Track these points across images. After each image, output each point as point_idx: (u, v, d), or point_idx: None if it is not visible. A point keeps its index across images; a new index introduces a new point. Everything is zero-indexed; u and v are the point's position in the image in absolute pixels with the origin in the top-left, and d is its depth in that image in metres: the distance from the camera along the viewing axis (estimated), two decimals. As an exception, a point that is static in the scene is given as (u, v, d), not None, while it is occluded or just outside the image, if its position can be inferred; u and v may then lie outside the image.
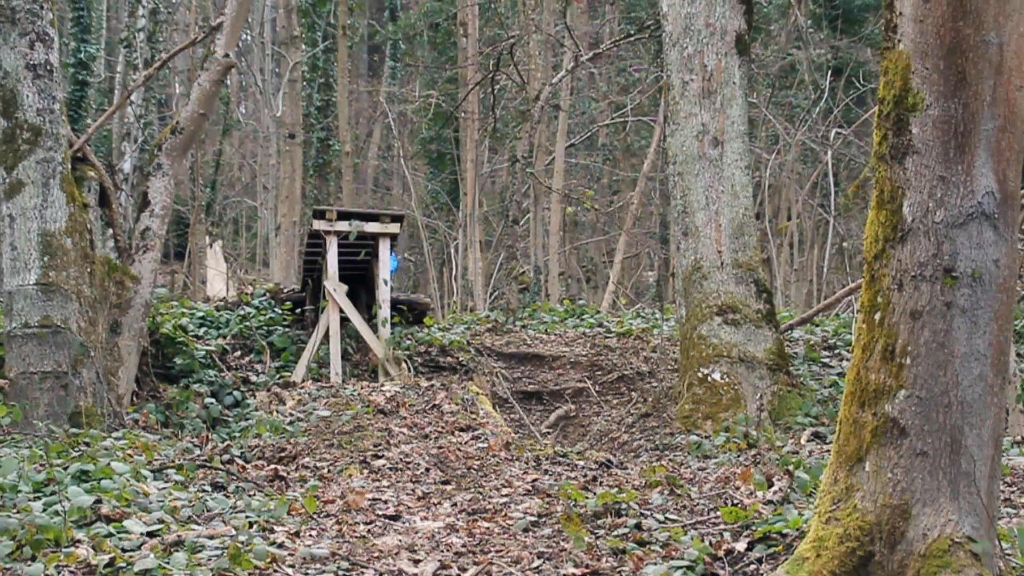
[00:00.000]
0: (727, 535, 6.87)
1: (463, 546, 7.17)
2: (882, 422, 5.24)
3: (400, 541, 7.18)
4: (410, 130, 39.71)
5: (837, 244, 27.75)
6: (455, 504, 8.58)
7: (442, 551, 7.03)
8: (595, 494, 8.09)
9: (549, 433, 14.14)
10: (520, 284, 26.97)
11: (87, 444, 9.99)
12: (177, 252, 37.76)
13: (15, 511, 7.06)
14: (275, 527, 7.30)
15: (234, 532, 6.92)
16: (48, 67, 12.19)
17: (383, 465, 9.90)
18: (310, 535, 7.29)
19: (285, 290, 18.61)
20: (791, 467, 8.41)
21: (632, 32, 27.01)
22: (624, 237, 29.78)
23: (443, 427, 11.62)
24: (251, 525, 7.23)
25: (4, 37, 12.06)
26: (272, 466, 9.73)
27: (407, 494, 8.95)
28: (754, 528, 6.80)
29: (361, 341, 16.22)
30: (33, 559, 6.22)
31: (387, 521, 7.97)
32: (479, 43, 29.91)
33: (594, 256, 36.92)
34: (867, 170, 23.54)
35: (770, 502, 7.61)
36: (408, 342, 16.03)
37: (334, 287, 15.94)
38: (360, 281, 17.42)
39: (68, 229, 12.10)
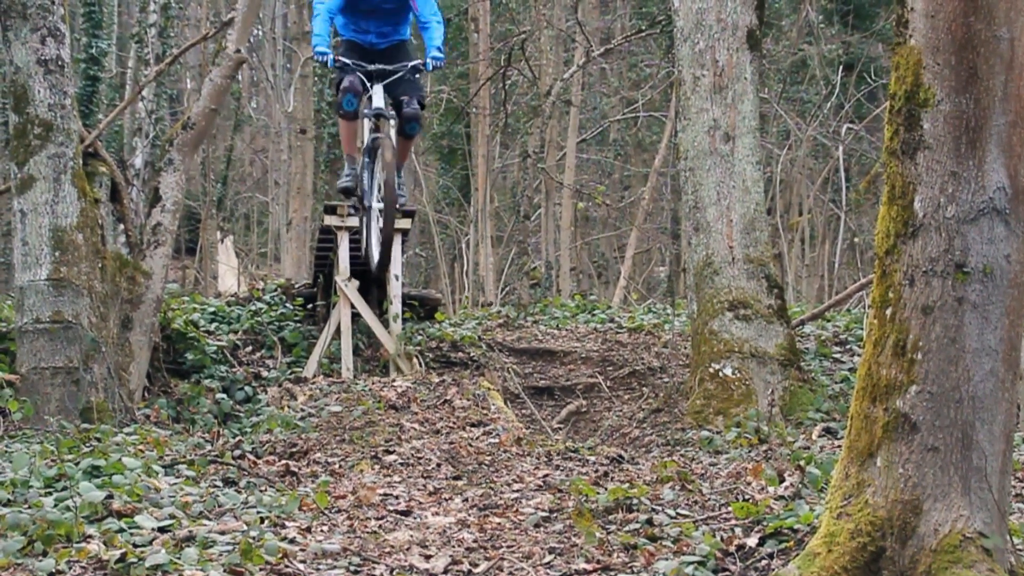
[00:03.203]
0: (738, 530, 6.88)
1: (474, 541, 7.18)
2: (893, 417, 5.24)
3: (411, 536, 7.19)
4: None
5: (848, 239, 27.72)
6: (466, 499, 8.58)
7: (453, 546, 7.04)
8: (606, 490, 8.09)
9: (560, 428, 14.13)
10: (531, 279, 27.01)
11: (98, 439, 10.01)
12: (188, 247, 37.76)
13: (26, 506, 7.08)
14: (286, 522, 7.31)
15: (245, 527, 6.93)
16: (59, 62, 12.21)
17: (394, 461, 9.91)
18: (321, 530, 7.30)
19: (296, 285, 18.60)
20: (802, 462, 8.40)
21: (643, 27, 26.98)
22: (635, 232, 29.76)
23: (454, 423, 11.63)
24: (262, 520, 7.24)
25: (15, 33, 12.08)
26: (283, 462, 9.74)
27: (418, 489, 8.95)
28: (765, 523, 6.80)
29: (372, 336, 16.22)
30: (44, 554, 6.23)
31: (398, 516, 7.97)
32: (490, 38, 29.89)
33: (605, 251, 36.87)
34: (878, 165, 23.53)
35: (781, 497, 7.61)
36: (419, 337, 16.04)
37: (345, 282, 15.95)
38: (371, 276, 17.41)
39: (79, 224, 12.12)
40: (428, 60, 11.84)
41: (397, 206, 11.66)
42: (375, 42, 12.15)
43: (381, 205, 11.61)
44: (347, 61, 11.81)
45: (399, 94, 11.92)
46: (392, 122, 11.92)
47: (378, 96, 11.84)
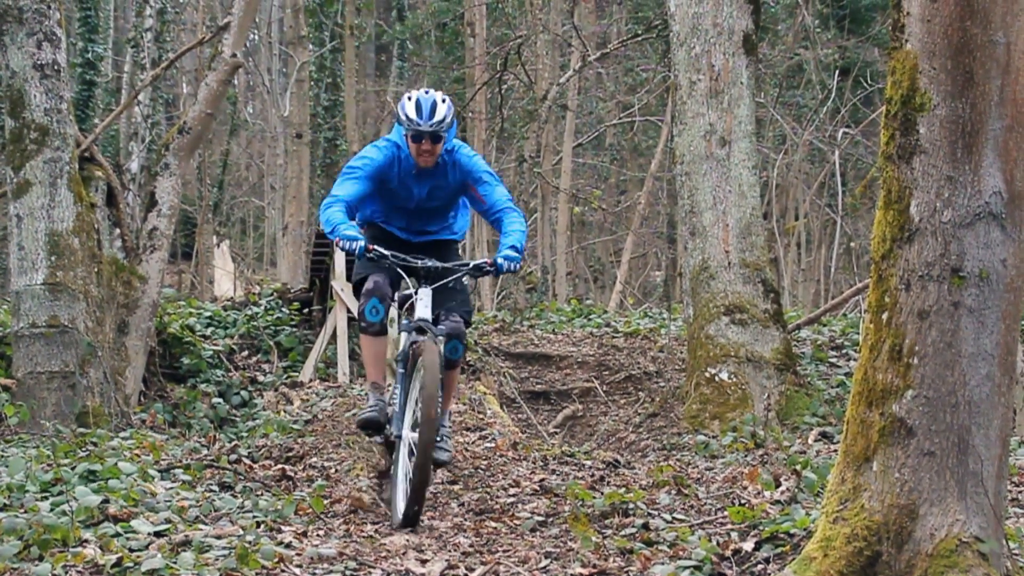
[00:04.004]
0: (734, 535, 6.87)
1: (470, 546, 7.17)
2: (889, 422, 5.24)
3: (407, 541, 7.19)
4: (417, 130, 39.64)
5: (844, 244, 27.73)
6: (462, 504, 8.59)
7: (449, 551, 7.04)
8: (602, 494, 8.10)
9: (556, 433, 14.14)
10: (527, 284, 27.01)
11: (94, 444, 10.00)
12: (184, 252, 37.80)
13: (22, 511, 7.08)
14: (282, 527, 7.31)
15: (241, 532, 6.93)
16: (55, 67, 12.21)
17: (390, 465, 9.90)
18: (317, 535, 7.30)
19: (292, 290, 18.63)
20: (798, 467, 8.41)
21: (640, 32, 27.01)
22: (631, 237, 29.80)
23: (450, 427, 11.63)
24: (258, 525, 7.23)
25: (11, 37, 12.08)
26: (279, 466, 9.73)
27: (414, 494, 8.95)
28: (761, 528, 6.79)
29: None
30: (40, 559, 6.23)
31: (394, 521, 7.97)
32: (486, 43, 29.91)
33: (601, 256, 36.90)
34: (874, 170, 23.54)
35: (777, 502, 7.61)
36: (415, 342, 16.02)
37: (342, 287, 15.95)
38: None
39: (75, 229, 12.12)
40: (500, 259, 8.44)
41: (437, 449, 8.11)
42: (409, 239, 9.12)
43: (415, 436, 7.93)
44: (385, 252, 8.38)
45: (438, 303, 8.60)
46: (441, 344, 8.38)
47: (424, 303, 8.44)
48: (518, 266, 8.43)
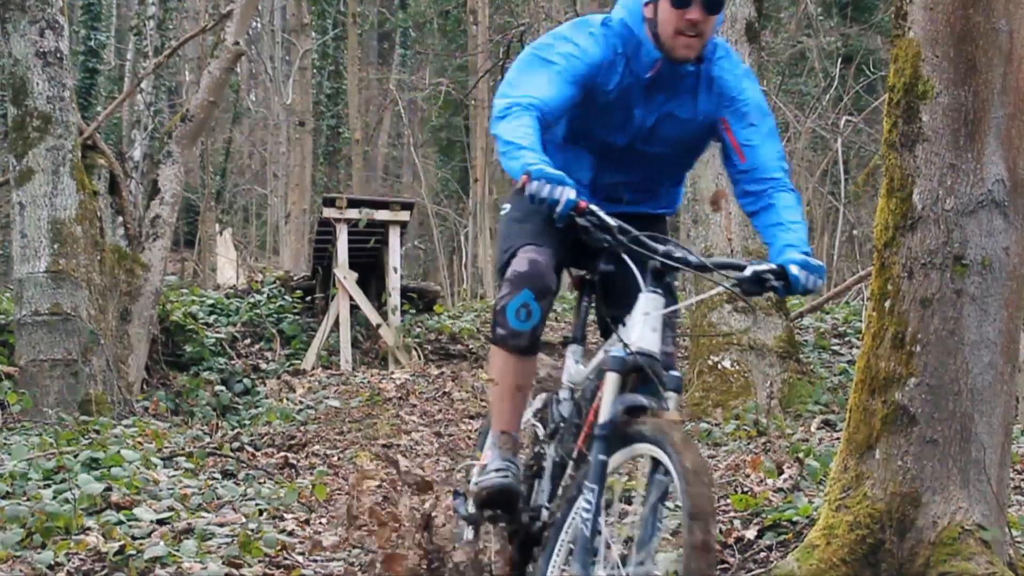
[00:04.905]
0: (737, 523, 6.87)
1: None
2: (892, 410, 5.23)
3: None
4: (420, 118, 39.71)
5: (847, 232, 27.70)
6: (466, 492, 8.56)
7: (452, 538, 7.02)
8: (605, 482, 8.08)
9: (559, 420, 14.10)
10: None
11: (97, 432, 10.00)
12: (187, 240, 37.76)
13: (25, 499, 7.08)
14: (285, 515, 7.31)
15: (244, 520, 6.93)
16: (58, 55, 12.20)
17: (393, 453, 9.90)
18: (320, 523, 7.29)
19: (295, 278, 18.63)
20: (801, 455, 8.40)
21: (642, 19, 26.94)
22: (634, 225, 29.73)
23: (453, 415, 11.63)
24: (261, 513, 7.24)
25: (14, 25, 12.07)
26: (282, 454, 9.75)
27: (417, 482, 8.93)
28: (764, 516, 6.79)
29: (371, 329, 16.23)
30: (43, 547, 6.23)
31: (397, 509, 7.95)
32: (489, 30, 29.88)
33: (604, 244, 36.85)
34: (877, 158, 23.50)
35: (780, 490, 7.60)
36: (418, 330, 16.04)
37: (344, 275, 15.95)
38: (370, 269, 17.41)
39: (78, 217, 12.11)
40: (794, 267, 4.61)
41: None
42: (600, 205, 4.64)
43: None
44: (610, 220, 4.44)
45: None
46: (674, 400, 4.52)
47: (653, 323, 4.55)
48: (821, 283, 4.71)
